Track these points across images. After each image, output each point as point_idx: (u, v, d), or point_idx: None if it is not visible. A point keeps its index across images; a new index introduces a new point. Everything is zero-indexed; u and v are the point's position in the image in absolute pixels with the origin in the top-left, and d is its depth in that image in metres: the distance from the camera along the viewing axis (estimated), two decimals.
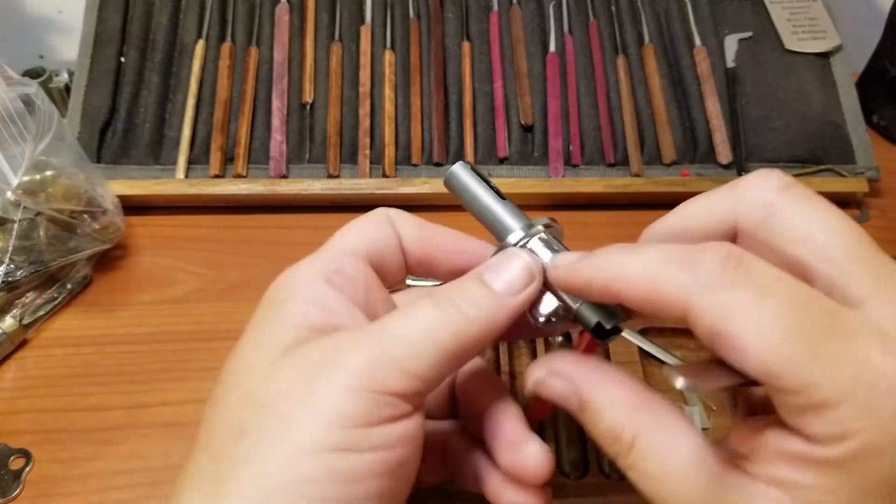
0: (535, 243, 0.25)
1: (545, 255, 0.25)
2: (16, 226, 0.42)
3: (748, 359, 0.18)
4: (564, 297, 0.24)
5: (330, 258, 0.26)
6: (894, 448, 0.18)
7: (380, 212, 0.28)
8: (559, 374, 0.23)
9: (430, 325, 0.22)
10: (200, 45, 0.55)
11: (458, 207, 0.54)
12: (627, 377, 0.23)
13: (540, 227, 0.25)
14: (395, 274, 0.28)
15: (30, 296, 0.44)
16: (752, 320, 0.18)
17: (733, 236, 0.23)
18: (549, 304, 0.24)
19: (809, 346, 0.18)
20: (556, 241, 0.25)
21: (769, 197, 0.22)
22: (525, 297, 0.24)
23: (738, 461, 0.20)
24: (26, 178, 0.42)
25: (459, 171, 0.28)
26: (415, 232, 0.28)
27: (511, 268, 0.24)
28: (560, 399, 0.23)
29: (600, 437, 0.22)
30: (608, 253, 0.22)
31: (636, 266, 0.21)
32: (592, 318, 0.23)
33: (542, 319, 0.24)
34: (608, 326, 0.23)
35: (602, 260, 0.22)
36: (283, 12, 0.57)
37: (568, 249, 0.25)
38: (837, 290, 0.20)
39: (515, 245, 0.25)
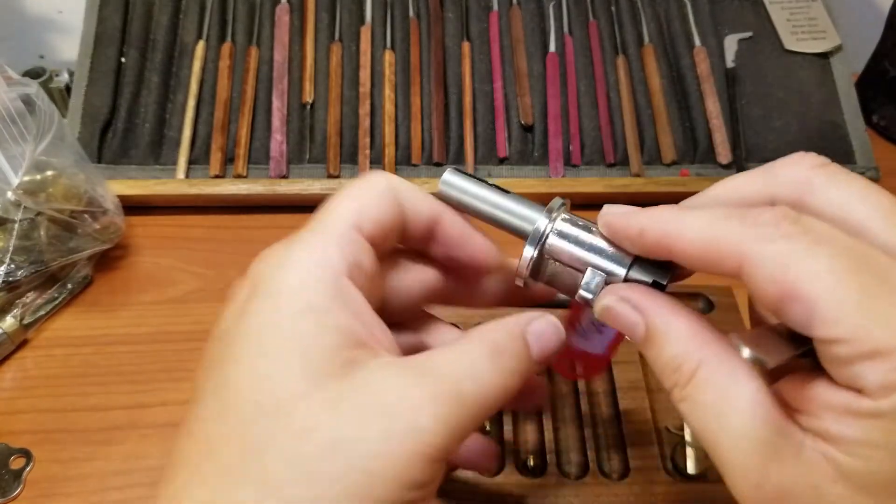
0: (561, 224, 0.24)
1: (575, 232, 0.24)
2: (16, 226, 0.42)
3: (802, 306, 0.18)
4: (606, 264, 0.24)
5: (344, 246, 0.23)
6: None
7: (379, 179, 0.24)
8: (629, 302, 0.23)
9: (490, 390, 0.21)
10: (201, 45, 0.55)
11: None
12: (696, 314, 0.22)
13: (559, 207, 0.25)
14: (386, 252, 0.25)
15: (30, 296, 0.44)
16: (808, 268, 0.18)
17: None
18: (593, 277, 0.24)
19: (865, 294, 0.18)
20: (578, 218, 0.25)
21: (805, 174, 0.22)
22: (545, 359, 0.24)
23: (791, 412, 0.20)
24: (27, 178, 0.42)
25: (452, 177, 0.26)
26: (424, 210, 0.25)
27: (548, 337, 0.24)
28: (626, 326, 0.23)
29: (662, 366, 0.22)
30: (666, 208, 0.22)
31: (692, 219, 0.21)
32: (647, 277, 0.23)
33: (588, 296, 0.24)
34: (664, 282, 0.23)
35: (657, 212, 0.22)
36: (283, 12, 0.57)
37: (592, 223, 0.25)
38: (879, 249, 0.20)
39: (544, 233, 0.25)
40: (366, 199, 0.24)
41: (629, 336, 0.23)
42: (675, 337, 0.22)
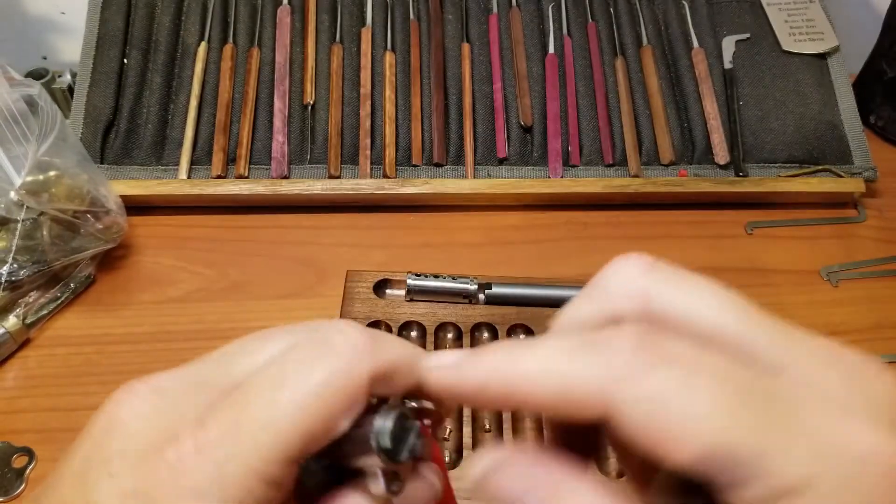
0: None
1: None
2: (19, 226, 0.43)
3: (694, 449, 0.15)
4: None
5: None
6: None
7: (361, 369, 0.19)
8: (528, 467, 0.18)
9: None
10: (203, 46, 0.56)
11: (457, 208, 0.55)
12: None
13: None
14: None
15: (33, 295, 0.44)
16: (692, 409, 0.16)
17: None
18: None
19: (764, 428, 0.15)
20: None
21: (638, 284, 0.19)
22: None
23: None
24: (29, 179, 0.42)
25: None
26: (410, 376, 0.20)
27: None
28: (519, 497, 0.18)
29: None
30: (500, 349, 0.18)
31: (539, 361, 0.17)
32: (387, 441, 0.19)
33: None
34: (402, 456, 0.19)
35: (496, 358, 0.18)
36: (284, 14, 0.57)
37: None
38: (749, 362, 0.17)
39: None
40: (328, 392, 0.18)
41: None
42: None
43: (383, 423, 0.19)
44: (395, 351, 0.20)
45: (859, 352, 0.18)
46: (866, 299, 0.49)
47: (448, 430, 0.38)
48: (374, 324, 0.43)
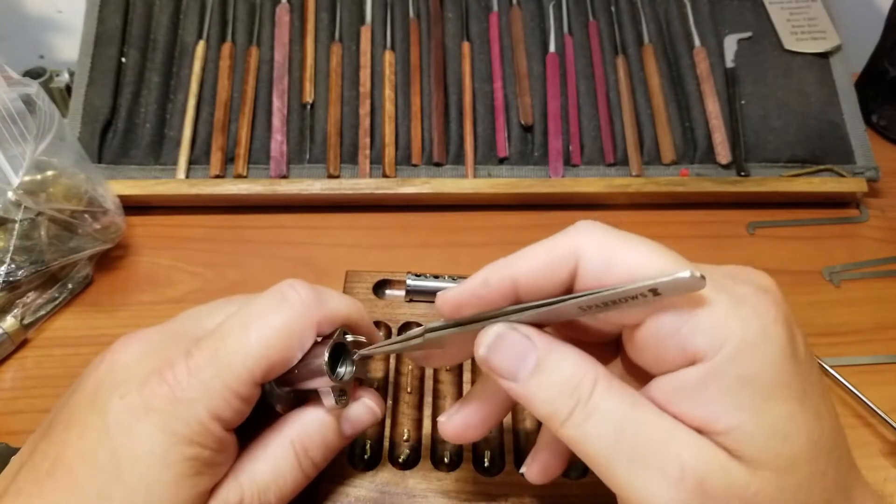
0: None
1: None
2: (17, 226, 0.42)
3: (645, 274, 0.20)
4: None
5: (197, 439, 0.24)
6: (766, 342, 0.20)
7: (309, 316, 0.27)
8: (519, 331, 0.23)
9: (294, 485, 0.28)
10: (201, 45, 0.56)
11: (457, 208, 0.54)
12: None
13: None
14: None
15: (31, 295, 0.44)
16: (633, 251, 0.22)
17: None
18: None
19: (684, 263, 0.22)
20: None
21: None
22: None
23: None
24: (27, 178, 0.42)
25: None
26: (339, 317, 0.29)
27: (362, 420, 0.30)
28: (518, 354, 0.23)
29: (556, 391, 0.22)
30: (489, 265, 0.24)
31: (524, 250, 0.23)
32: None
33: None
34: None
35: (488, 265, 0.24)
36: (283, 13, 0.57)
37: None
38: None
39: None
40: (263, 344, 0.25)
41: (509, 371, 0.23)
42: (570, 355, 0.22)
43: (325, 350, 0.26)
44: (334, 303, 0.27)
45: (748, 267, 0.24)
46: (868, 300, 0.49)
47: None
48: (374, 324, 0.42)
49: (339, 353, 0.28)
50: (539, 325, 0.23)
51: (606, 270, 0.22)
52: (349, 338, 0.28)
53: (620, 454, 0.21)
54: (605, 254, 0.22)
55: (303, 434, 0.27)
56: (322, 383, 0.27)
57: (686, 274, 0.19)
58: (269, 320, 0.25)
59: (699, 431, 0.21)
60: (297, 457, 0.27)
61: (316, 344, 0.27)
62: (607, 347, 0.26)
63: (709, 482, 0.20)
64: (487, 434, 0.27)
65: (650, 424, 0.21)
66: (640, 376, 0.24)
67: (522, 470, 0.28)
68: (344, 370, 0.28)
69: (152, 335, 0.27)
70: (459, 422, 0.27)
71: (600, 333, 0.25)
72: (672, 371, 0.21)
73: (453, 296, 0.24)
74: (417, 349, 0.26)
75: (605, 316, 0.23)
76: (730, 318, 0.20)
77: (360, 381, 0.30)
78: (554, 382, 0.22)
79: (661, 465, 0.20)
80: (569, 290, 0.23)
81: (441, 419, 0.27)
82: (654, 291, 0.20)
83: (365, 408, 0.29)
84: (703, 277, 0.19)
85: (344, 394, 0.28)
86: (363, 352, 0.28)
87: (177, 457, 0.24)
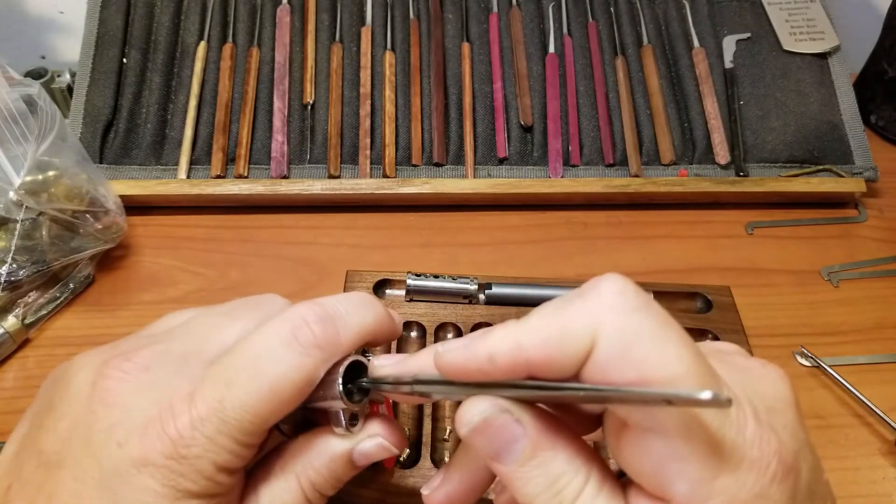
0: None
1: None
2: (18, 225, 0.42)
3: (662, 380, 0.18)
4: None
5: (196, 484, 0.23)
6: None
7: (321, 362, 0.24)
8: (511, 413, 0.21)
9: None
10: (202, 46, 0.56)
11: (457, 208, 0.54)
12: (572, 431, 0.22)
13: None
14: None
15: (32, 295, 0.44)
16: (662, 345, 0.19)
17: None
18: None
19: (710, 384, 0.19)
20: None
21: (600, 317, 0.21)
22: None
23: None
24: (29, 179, 0.42)
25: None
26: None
27: (374, 454, 0.26)
28: (505, 441, 0.21)
29: (541, 487, 0.20)
30: (500, 326, 0.21)
31: (533, 319, 0.20)
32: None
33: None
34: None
35: (499, 330, 0.21)
36: (284, 13, 0.57)
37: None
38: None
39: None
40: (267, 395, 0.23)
41: (493, 454, 0.21)
42: (563, 454, 0.20)
43: (339, 372, 0.24)
44: (352, 330, 0.25)
45: (762, 361, 0.22)
46: (867, 299, 0.49)
47: (448, 431, 0.38)
48: None
49: (356, 373, 0.25)
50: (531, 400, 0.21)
51: (621, 364, 0.19)
52: (369, 358, 0.26)
53: None
54: (624, 345, 0.19)
55: (309, 468, 0.25)
56: (333, 406, 0.25)
57: (708, 395, 0.16)
58: (280, 369, 0.23)
59: None
60: (304, 492, 0.25)
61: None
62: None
63: None
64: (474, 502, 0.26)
65: None
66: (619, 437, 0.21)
67: (424, 491, 0.25)
68: (356, 392, 0.25)
69: (151, 362, 0.24)
70: (442, 496, 0.25)
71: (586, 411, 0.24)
72: (643, 489, 0.20)
73: (454, 363, 0.22)
74: (406, 395, 0.25)
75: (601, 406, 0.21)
76: (725, 475, 0.18)
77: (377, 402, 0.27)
78: (539, 477, 0.20)
79: None
80: (579, 367, 0.20)
81: (424, 492, 0.25)
82: (668, 402, 0.18)
83: (378, 446, 0.26)
84: (729, 401, 0.17)
85: (356, 418, 0.25)
86: (359, 384, 0.26)
87: None
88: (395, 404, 0.38)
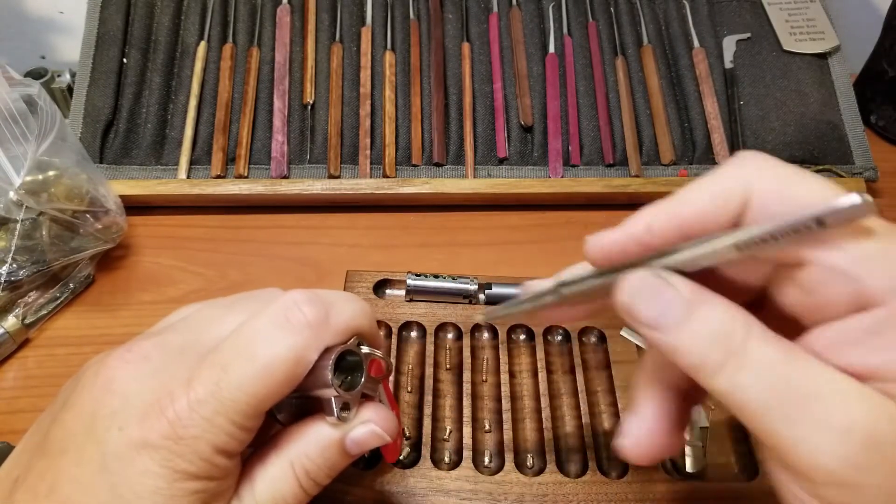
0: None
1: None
2: (18, 225, 0.42)
3: (816, 201, 0.19)
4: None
5: (202, 471, 0.23)
6: None
7: (315, 344, 0.25)
8: (665, 278, 0.21)
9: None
10: (202, 45, 0.56)
11: (457, 208, 0.54)
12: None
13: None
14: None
15: (32, 295, 0.44)
16: (811, 181, 0.20)
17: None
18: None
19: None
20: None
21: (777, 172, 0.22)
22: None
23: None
24: (29, 178, 0.42)
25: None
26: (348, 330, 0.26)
27: (367, 441, 0.27)
28: (665, 302, 0.21)
29: (707, 340, 0.20)
30: (645, 207, 0.22)
31: (687, 189, 0.21)
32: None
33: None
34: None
35: (650, 208, 0.22)
36: (284, 13, 0.57)
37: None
38: None
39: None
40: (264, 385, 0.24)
41: (654, 320, 0.21)
42: (720, 304, 0.20)
43: (330, 359, 0.25)
44: (343, 317, 0.26)
45: None
46: None
47: (448, 431, 0.38)
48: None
49: (349, 363, 0.26)
50: (683, 273, 0.21)
51: (779, 203, 0.20)
52: (364, 350, 0.27)
53: (779, 407, 0.19)
54: (779, 188, 0.20)
55: (303, 456, 0.26)
56: (326, 393, 0.25)
57: (854, 199, 0.17)
58: (273, 349, 0.24)
59: (871, 379, 0.19)
60: (298, 479, 0.26)
61: (326, 350, 0.25)
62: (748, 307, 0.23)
63: (879, 433, 0.18)
64: (680, 443, 0.24)
65: (811, 374, 0.19)
66: (789, 335, 0.21)
67: (624, 442, 0.24)
68: (351, 382, 0.26)
69: (152, 352, 0.25)
70: (644, 434, 0.23)
71: (744, 288, 0.23)
72: (837, 318, 0.20)
73: (609, 242, 0.22)
74: (550, 306, 0.24)
75: (764, 257, 0.21)
76: None
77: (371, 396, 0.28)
78: (704, 331, 0.20)
79: (825, 417, 0.18)
80: (734, 222, 0.21)
81: (623, 442, 0.24)
82: (820, 222, 0.18)
83: (370, 432, 0.27)
84: (871, 202, 0.17)
85: (348, 407, 0.26)
86: (493, 313, 0.26)
87: (181, 492, 0.23)
88: (397, 396, 0.39)
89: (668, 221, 0.21)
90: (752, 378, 0.19)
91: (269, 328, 0.24)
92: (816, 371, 0.19)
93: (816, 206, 0.18)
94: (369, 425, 0.26)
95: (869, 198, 0.17)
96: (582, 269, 0.24)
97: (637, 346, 0.42)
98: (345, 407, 0.26)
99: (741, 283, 0.23)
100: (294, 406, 0.27)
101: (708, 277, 0.22)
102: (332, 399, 0.25)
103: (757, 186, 0.20)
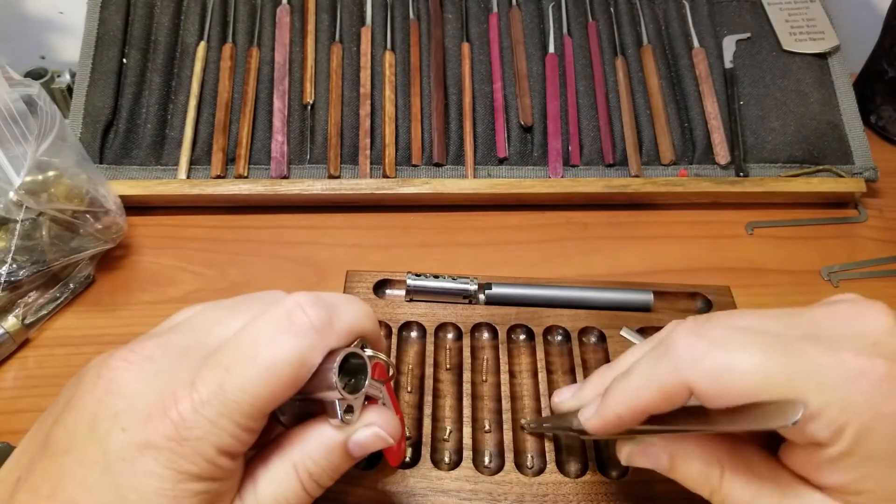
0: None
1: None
2: (18, 226, 0.42)
3: (746, 395, 0.23)
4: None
5: (205, 474, 0.23)
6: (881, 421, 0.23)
7: (319, 346, 0.25)
8: (655, 444, 0.28)
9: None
10: (202, 46, 0.56)
11: (457, 208, 0.54)
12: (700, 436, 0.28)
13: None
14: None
15: (32, 295, 0.44)
16: (736, 368, 0.23)
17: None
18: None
19: (785, 371, 0.23)
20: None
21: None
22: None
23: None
24: (29, 179, 0.42)
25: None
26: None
27: (370, 444, 0.27)
28: (654, 462, 0.28)
29: (693, 482, 0.27)
30: (612, 391, 0.27)
31: (635, 381, 0.26)
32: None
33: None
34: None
35: (612, 394, 0.27)
36: (283, 14, 0.57)
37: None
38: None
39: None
40: (271, 385, 0.24)
41: (655, 468, 0.28)
42: (695, 455, 0.27)
43: (335, 362, 0.25)
44: (346, 319, 0.26)
45: (857, 297, 0.27)
46: None
47: (448, 431, 0.38)
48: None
49: (353, 366, 0.26)
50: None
51: (719, 398, 0.24)
52: (367, 352, 0.27)
53: None
54: (711, 384, 0.24)
55: (307, 458, 0.26)
56: (329, 396, 0.25)
57: (786, 423, 0.22)
58: (276, 351, 0.24)
59: (829, 492, 0.24)
60: (301, 481, 0.26)
61: (329, 352, 0.25)
62: None
63: None
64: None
65: (780, 498, 0.25)
66: None
67: (581, 416, 0.30)
68: (354, 385, 0.26)
69: (155, 353, 0.25)
70: (601, 427, 0.29)
71: None
72: (801, 446, 0.24)
73: (596, 427, 0.28)
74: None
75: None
76: (841, 411, 0.23)
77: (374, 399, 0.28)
78: (688, 475, 0.27)
79: None
80: (686, 401, 0.26)
81: (584, 417, 0.30)
82: (758, 425, 0.23)
83: (373, 435, 0.27)
84: (799, 418, 0.22)
85: (351, 410, 0.26)
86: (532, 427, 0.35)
87: (185, 493, 0.23)
88: (397, 396, 0.39)
89: (632, 413, 0.27)
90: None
91: (273, 330, 0.24)
92: (784, 496, 0.25)
93: (757, 422, 0.23)
94: (373, 428, 0.27)
95: (797, 416, 0.22)
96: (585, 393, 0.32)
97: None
98: (348, 410, 0.26)
99: None
100: (297, 407, 0.27)
101: None
102: (336, 402, 0.25)
103: (697, 387, 0.24)
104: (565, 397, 0.34)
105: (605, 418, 0.28)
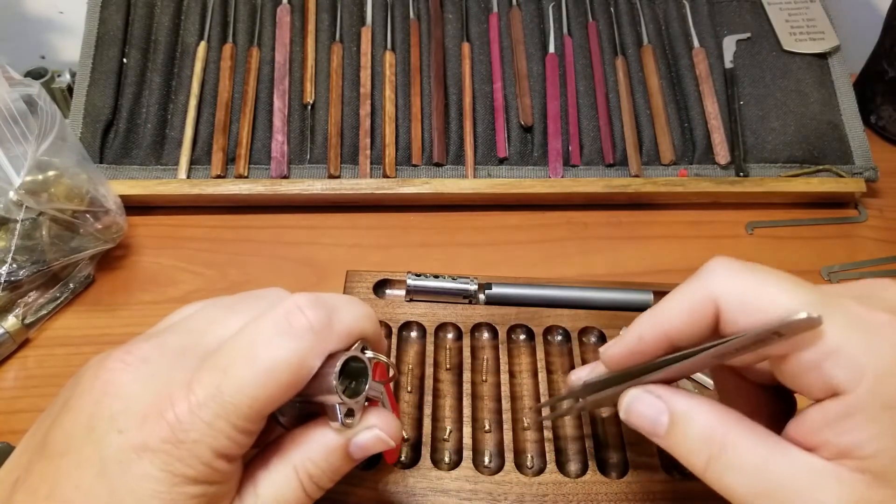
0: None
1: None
2: (18, 225, 0.42)
3: (777, 308, 0.22)
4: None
5: (202, 476, 0.23)
6: None
7: (318, 348, 0.25)
8: (653, 393, 0.26)
9: None
10: (202, 45, 0.56)
11: (457, 208, 0.54)
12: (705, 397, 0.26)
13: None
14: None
15: (32, 295, 0.44)
16: (767, 289, 0.23)
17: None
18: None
19: (813, 301, 0.22)
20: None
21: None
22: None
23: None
24: (29, 178, 0.42)
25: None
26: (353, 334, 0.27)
27: (371, 446, 0.27)
28: (652, 415, 0.26)
29: (692, 444, 0.24)
30: (638, 317, 0.26)
31: (665, 302, 0.25)
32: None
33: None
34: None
35: (638, 320, 0.26)
36: (284, 13, 0.57)
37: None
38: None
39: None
40: (270, 389, 0.24)
41: (649, 429, 0.26)
42: (702, 412, 0.25)
43: (335, 366, 0.24)
44: (346, 322, 0.26)
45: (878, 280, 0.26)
46: None
47: (448, 431, 0.38)
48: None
49: (354, 369, 0.26)
50: (685, 376, 0.26)
51: (743, 313, 0.23)
52: (368, 354, 0.26)
53: (761, 499, 0.22)
54: (739, 297, 0.24)
55: (307, 460, 0.26)
56: (330, 399, 0.25)
57: (802, 316, 0.21)
58: (275, 353, 0.23)
59: (843, 457, 0.22)
60: (302, 484, 0.26)
61: (330, 355, 0.25)
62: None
63: None
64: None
65: (788, 466, 0.23)
66: None
67: (601, 350, 0.28)
68: (355, 389, 0.26)
69: (151, 354, 0.25)
70: (621, 360, 0.28)
71: (760, 371, 0.27)
72: (819, 400, 0.23)
73: (615, 354, 0.27)
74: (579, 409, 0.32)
75: (745, 358, 0.24)
76: (865, 352, 0.22)
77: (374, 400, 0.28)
78: (688, 436, 0.24)
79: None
80: (717, 331, 0.25)
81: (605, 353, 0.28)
82: (778, 334, 0.22)
83: (374, 438, 0.27)
84: (819, 317, 0.21)
85: (352, 413, 0.26)
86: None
87: (181, 496, 0.23)
88: (397, 396, 0.39)
89: (654, 333, 0.25)
90: (733, 476, 0.23)
91: (272, 332, 0.24)
92: (793, 462, 0.23)
93: (773, 322, 0.21)
94: (374, 430, 0.26)
95: (815, 314, 0.21)
96: (602, 368, 0.29)
97: None
98: (349, 413, 0.26)
99: (757, 369, 0.27)
100: (297, 409, 0.27)
101: (731, 369, 0.27)
102: (337, 405, 0.25)
103: (723, 299, 0.24)
104: (583, 374, 0.32)
105: (626, 341, 0.26)
